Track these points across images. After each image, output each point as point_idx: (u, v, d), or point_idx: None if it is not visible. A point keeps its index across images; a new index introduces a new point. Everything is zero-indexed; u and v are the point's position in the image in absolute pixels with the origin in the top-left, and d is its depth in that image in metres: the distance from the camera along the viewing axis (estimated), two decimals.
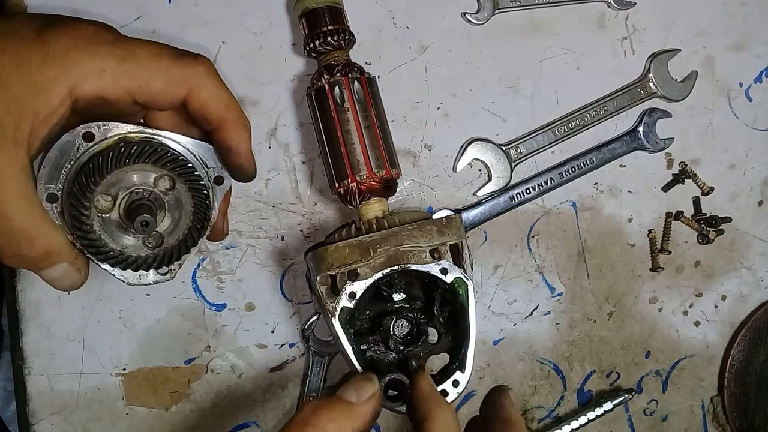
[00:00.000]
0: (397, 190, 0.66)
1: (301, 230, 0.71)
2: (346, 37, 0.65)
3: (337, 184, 0.63)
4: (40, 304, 0.68)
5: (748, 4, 0.80)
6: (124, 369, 0.69)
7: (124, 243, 0.52)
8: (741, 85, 0.80)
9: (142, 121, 0.55)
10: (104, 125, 0.51)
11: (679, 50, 0.78)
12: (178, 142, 0.53)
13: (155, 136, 0.52)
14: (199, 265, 0.70)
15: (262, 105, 0.70)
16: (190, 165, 0.53)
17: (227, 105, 0.53)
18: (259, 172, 0.70)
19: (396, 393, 0.56)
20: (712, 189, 0.80)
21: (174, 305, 0.70)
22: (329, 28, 0.64)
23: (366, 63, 0.71)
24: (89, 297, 0.68)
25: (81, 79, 0.47)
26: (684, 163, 0.79)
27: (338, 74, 0.63)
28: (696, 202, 0.80)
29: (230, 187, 0.57)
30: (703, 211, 0.80)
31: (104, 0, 0.66)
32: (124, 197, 0.52)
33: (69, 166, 0.50)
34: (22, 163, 0.47)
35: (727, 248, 0.81)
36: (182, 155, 0.53)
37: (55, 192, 0.50)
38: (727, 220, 0.80)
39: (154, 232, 0.53)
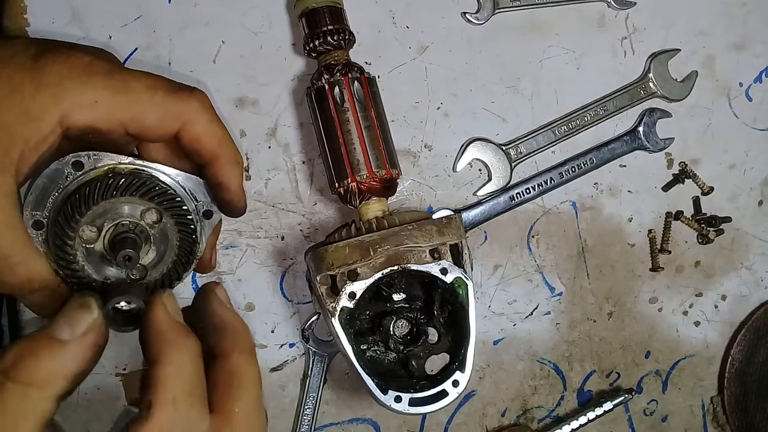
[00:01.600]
0: (397, 190, 0.66)
1: (301, 230, 0.71)
2: (346, 37, 0.65)
3: (337, 184, 0.63)
4: None
5: (748, 4, 0.80)
6: (125, 369, 0.69)
7: (107, 274, 0.52)
8: (741, 84, 0.80)
9: (135, 150, 0.55)
10: (95, 155, 0.50)
11: (679, 50, 0.78)
12: (168, 174, 0.53)
13: (145, 168, 0.52)
14: None
15: (262, 105, 0.70)
16: (179, 199, 0.53)
17: (220, 140, 0.52)
18: (259, 172, 0.70)
19: (129, 312, 0.46)
20: (712, 189, 0.80)
21: None
22: (329, 27, 0.64)
23: (366, 63, 0.71)
24: None
25: (73, 109, 0.47)
26: (684, 162, 0.79)
27: (338, 74, 0.63)
28: (696, 202, 0.80)
29: (220, 221, 0.56)
30: (703, 211, 0.80)
31: (104, 0, 0.66)
32: (109, 229, 0.51)
33: (57, 194, 0.50)
34: (9, 189, 0.46)
35: (727, 248, 0.81)
36: (171, 189, 0.52)
37: (41, 219, 0.50)
38: (727, 220, 0.80)
39: (138, 265, 0.52)
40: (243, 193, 0.55)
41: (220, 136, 0.52)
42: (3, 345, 1.15)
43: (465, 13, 0.74)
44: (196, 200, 0.54)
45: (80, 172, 0.50)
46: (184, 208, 0.53)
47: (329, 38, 0.64)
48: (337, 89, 0.63)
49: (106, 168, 0.51)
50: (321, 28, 0.64)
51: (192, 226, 0.53)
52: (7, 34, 0.64)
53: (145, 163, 0.52)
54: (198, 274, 0.70)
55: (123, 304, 0.46)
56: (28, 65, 0.47)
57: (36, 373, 0.40)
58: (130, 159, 0.51)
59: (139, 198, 0.51)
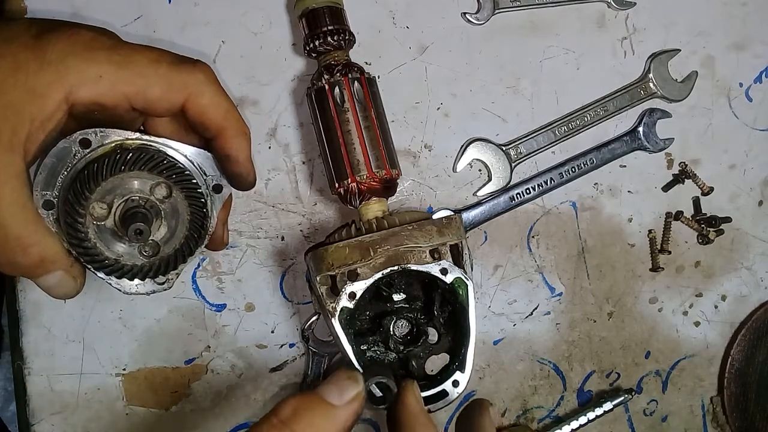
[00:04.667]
0: (397, 190, 0.66)
1: (301, 230, 0.71)
2: (346, 37, 0.65)
3: (337, 184, 0.63)
4: (41, 304, 0.68)
5: (748, 5, 0.80)
6: (124, 369, 0.69)
7: (119, 251, 0.52)
8: (741, 85, 0.80)
9: (141, 128, 0.55)
10: (101, 132, 0.50)
11: (679, 50, 0.78)
12: (176, 149, 0.53)
13: (153, 144, 0.52)
14: (199, 265, 0.70)
15: (262, 105, 0.70)
16: (187, 173, 0.52)
17: (226, 112, 0.52)
18: (259, 172, 0.70)
19: (381, 396, 0.54)
20: (712, 189, 0.80)
21: (174, 305, 0.70)
22: (329, 28, 0.64)
23: (366, 63, 0.71)
24: (89, 297, 0.68)
25: (77, 85, 0.47)
26: (684, 163, 0.79)
27: (338, 74, 0.63)
28: (696, 202, 0.80)
29: (230, 196, 0.56)
30: (703, 212, 0.80)
31: (104, 0, 0.66)
32: (119, 205, 0.51)
33: (65, 173, 0.50)
34: (18, 169, 0.47)
35: (727, 248, 0.81)
36: (179, 163, 0.52)
37: (51, 199, 0.50)
38: (727, 220, 0.80)
39: (150, 241, 0.52)
40: (252, 165, 0.55)
41: (226, 108, 0.52)
42: (3, 346, 1.15)
43: (465, 13, 0.74)
44: (206, 174, 0.54)
45: (88, 150, 0.50)
46: (194, 181, 0.53)
47: (329, 38, 0.64)
48: (337, 89, 0.63)
49: (114, 144, 0.50)
50: (321, 29, 0.64)
51: (202, 200, 0.53)
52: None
53: (153, 138, 0.52)
54: (198, 275, 0.70)
55: (381, 382, 0.53)
56: (30, 44, 0.47)
57: (309, 428, 0.46)
58: (137, 135, 0.51)
59: (147, 172, 0.51)
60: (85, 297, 0.68)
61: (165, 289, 0.54)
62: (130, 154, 0.50)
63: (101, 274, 0.51)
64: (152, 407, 0.70)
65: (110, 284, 0.52)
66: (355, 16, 0.67)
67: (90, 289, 0.68)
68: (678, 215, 0.79)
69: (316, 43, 0.64)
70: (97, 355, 0.69)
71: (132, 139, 0.51)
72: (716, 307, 0.81)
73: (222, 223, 0.57)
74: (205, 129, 0.52)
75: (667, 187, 0.79)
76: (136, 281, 0.53)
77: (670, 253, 0.79)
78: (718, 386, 0.82)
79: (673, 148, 0.79)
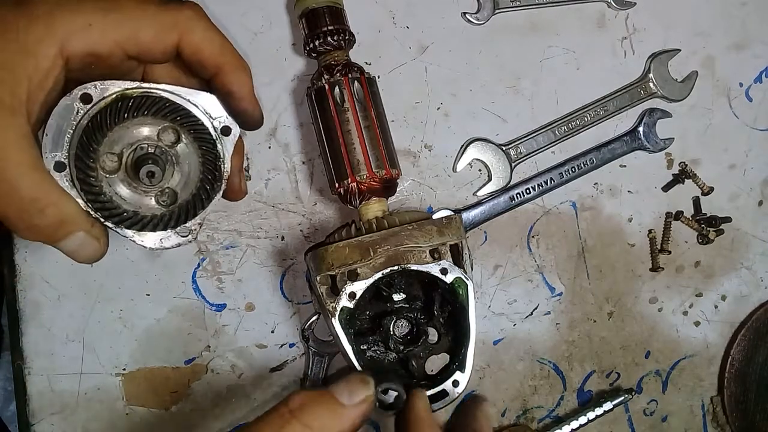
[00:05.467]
0: (397, 190, 0.66)
1: (301, 230, 0.71)
2: (346, 37, 0.65)
3: (337, 184, 0.63)
4: (40, 304, 0.68)
5: (748, 5, 0.80)
6: (124, 369, 0.69)
7: (137, 203, 0.51)
8: (741, 85, 0.80)
9: (141, 79, 0.54)
10: (101, 84, 0.50)
11: (679, 50, 0.78)
12: (178, 94, 0.52)
13: (154, 90, 0.51)
14: (199, 265, 0.70)
15: (261, 105, 0.69)
16: (193, 115, 0.52)
17: (221, 47, 0.51)
18: (259, 172, 0.70)
19: (390, 402, 0.54)
20: (712, 189, 0.80)
21: (174, 305, 0.70)
22: (329, 28, 0.64)
23: (366, 63, 0.71)
24: (89, 297, 0.68)
25: (68, 37, 0.46)
26: (684, 163, 0.79)
27: (338, 74, 0.63)
28: (696, 202, 0.80)
29: (242, 141, 0.55)
30: (703, 211, 0.80)
31: None
32: (129, 154, 0.51)
33: (71, 131, 0.49)
34: (24, 131, 0.46)
35: (727, 248, 0.81)
36: (183, 105, 0.52)
37: (62, 160, 0.49)
38: (727, 220, 0.80)
39: (167, 189, 0.52)
40: (256, 99, 0.54)
41: (221, 43, 0.51)
42: (3, 346, 1.15)
43: (465, 13, 0.74)
44: (212, 117, 0.53)
45: (90, 105, 0.49)
46: (200, 123, 0.52)
47: (329, 38, 0.64)
48: (337, 89, 0.63)
49: (115, 95, 0.50)
50: (321, 29, 0.64)
51: (212, 141, 0.52)
52: None
53: (153, 85, 0.51)
54: (198, 275, 0.70)
55: (391, 389, 0.53)
56: (16, 2, 0.46)
57: (316, 421, 0.47)
58: (137, 83, 0.51)
59: (152, 117, 0.51)
60: (85, 297, 0.68)
61: (189, 241, 0.53)
62: (132, 101, 0.50)
63: (124, 231, 0.51)
64: (152, 407, 0.70)
65: (134, 241, 0.51)
66: (355, 16, 0.67)
67: (90, 289, 0.68)
68: (678, 215, 0.79)
69: (316, 43, 0.64)
70: (97, 355, 0.69)
71: (132, 89, 0.51)
72: (716, 307, 0.81)
73: (237, 171, 0.56)
74: (203, 67, 0.52)
75: (667, 187, 0.79)
76: (159, 235, 0.52)
77: (670, 253, 0.79)
78: (718, 386, 0.82)
79: (673, 148, 0.79)
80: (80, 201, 0.49)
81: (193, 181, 0.53)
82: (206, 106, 0.53)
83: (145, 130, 0.51)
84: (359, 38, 0.66)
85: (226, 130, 0.53)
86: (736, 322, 0.82)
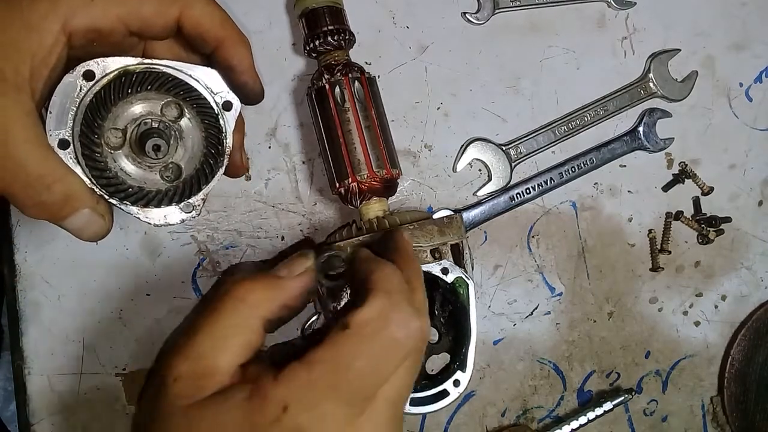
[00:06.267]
0: (398, 190, 0.66)
1: (301, 230, 0.71)
2: (346, 37, 0.65)
3: (337, 184, 0.63)
4: (41, 304, 0.68)
5: (748, 5, 0.80)
6: (124, 369, 0.69)
7: (141, 178, 0.52)
8: (741, 85, 0.80)
9: (143, 55, 0.55)
10: (103, 61, 0.50)
11: (679, 50, 0.78)
12: (180, 69, 0.52)
13: (156, 65, 0.51)
14: (199, 265, 0.70)
15: (262, 105, 0.69)
16: (195, 89, 0.52)
17: (222, 22, 0.52)
18: (259, 172, 0.70)
19: (336, 272, 0.53)
20: (712, 189, 0.80)
21: (174, 305, 0.70)
22: (329, 28, 0.64)
23: (366, 63, 0.71)
24: (89, 297, 0.68)
25: (71, 13, 0.46)
26: (684, 163, 0.79)
27: (338, 74, 0.63)
28: (696, 202, 0.80)
29: (242, 118, 0.56)
30: (703, 211, 0.80)
31: None
32: (133, 130, 0.51)
33: (75, 108, 0.49)
34: (28, 107, 0.46)
35: (727, 248, 0.81)
36: (184, 80, 0.52)
37: (66, 137, 0.49)
38: (727, 220, 0.80)
39: (171, 164, 0.52)
40: (256, 74, 0.54)
41: (221, 17, 0.52)
42: (3, 346, 1.15)
43: (465, 13, 0.74)
44: (213, 92, 0.53)
45: (93, 82, 0.50)
46: (203, 97, 0.53)
47: (329, 38, 0.64)
48: (337, 89, 0.63)
49: (117, 72, 0.50)
50: (321, 29, 0.64)
51: (214, 115, 0.53)
52: None
53: (155, 61, 0.52)
54: (198, 274, 0.70)
55: (332, 255, 0.52)
56: None
57: (250, 294, 0.46)
58: (139, 59, 0.51)
59: (155, 92, 0.51)
60: (85, 297, 0.68)
61: (193, 217, 0.53)
62: (135, 77, 0.50)
63: (127, 207, 0.51)
64: None
65: (138, 218, 0.51)
66: (356, 15, 0.67)
67: (90, 290, 0.68)
68: (678, 215, 0.79)
69: (316, 43, 0.64)
70: (97, 355, 0.69)
71: (134, 65, 0.51)
72: (716, 307, 0.81)
73: (239, 147, 0.57)
74: (204, 41, 0.52)
75: (667, 187, 0.79)
76: (164, 211, 0.52)
77: (670, 253, 0.79)
78: (718, 386, 0.82)
79: (673, 147, 0.79)
80: (85, 178, 0.49)
81: (197, 155, 0.53)
82: (207, 81, 0.53)
83: (149, 105, 0.52)
84: (359, 38, 0.66)
85: (227, 105, 0.54)
86: (736, 322, 0.82)
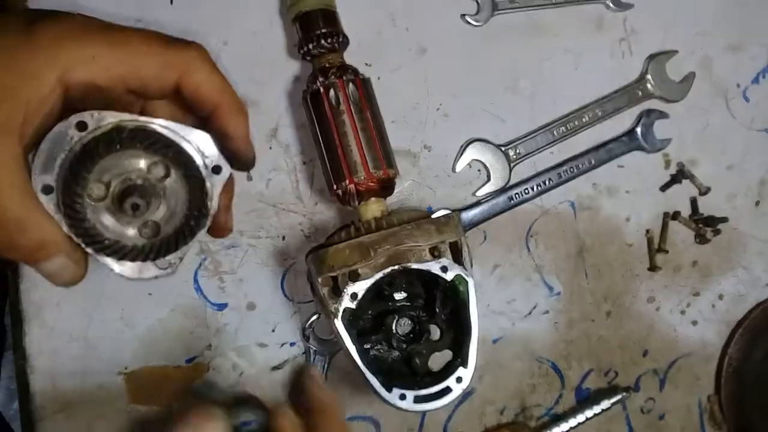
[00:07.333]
0: (397, 190, 0.66)
1: (301, 230, 0.72)
2: (340, 40, 0.65)
3: (335, 186, 0.64)
4: (43, 304, 0.68)
5: (745, 6, 0.80)
6: (126, 368, 0.70)
7: (119, 233, 0.51)
8: (738, 86, 0.81)
9: (140, 111, 0.55)
10: (98, 114, 0.50)
11: (677, 51, 0.79)
12: (174, 130, 0.52)
13: (149, 124, 0.51)
14: (200, 264, 0.70)
15: (262, 105, 0.70)
16: (185, 151, 0.52)
17: (221, 89, 0.52)
18: (260, 173, 0.71)
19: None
20: (709, 189, 0.80)
21: (176, 305, 0.70)
22: (323, 31, 0.64)
23: (366, 64, 0.71)
24: (91, 297, 0.69)
25: (71, 66, 0.47)
26: (681, 163, 0.80)
27: (333, 77, 0.63)
28: (693, 202, 0.80)
29: (232, 180, 0.56)
30: (700, 211, 0.80)
31: (105, 1, 0.67)
32: (116, 184, 0.51)
33: (63, 156, 0.49)
34: (15, 152, 0.46)
35: (724, 248, 0.81)
36: (176, 142, 0.52)
37: (50, 183, 0.49)
38: (724, 220, 0.80)
39: (150, 221, 0.52)
40: (250, 143, 0.54)
41: (221, 85, 0.52)
42: (6, 345, 1.16)
43: (464, 14, 0.74)
44: (204, 155, 0.53)
45: (85, 132, 0.49)
46: (192, 160, 0.52)
47: (323, 41, 0.64)
48: (332, 92, 0.63)
49: (111, 126, 0.50)
50: (315, 32, 0.64)
51: (201, 179, 0.53)
52: None
53: (150, 119, 0.51)
54: (200, 274, 0.70)
55: (246, 420, 0.47)
56: (24, 29, 0.47)
57: None
58: (134, 116, 0.51)
59: (144, 151, 0.51)
60: (87, 297, 0.68)
61: (168, 274, 0.53)
62: (126, 133, 0.50)
63: (104, 258, 0.51)
64: (155, 406, 0.70)
65: (113, 270, 0.51)
66: (355, 17, 0.67)
67: (93, 289, 0.69)
68: (675, 215, 0.80)
69: (310, 46, 0.64)
70: (100, 354, 0.69)
71: (128, 121, 0.51)
72: (713, 306, 0.82)
73: (225, 209, 0.57)
74: (201, 107, 0.52)
75: (664, 187, 0.80)
76: (139, 265, 0.52)
77: (667, 252, 0.79)
78: (715, 385, 0.82)
79: (671, 148, 0.79)
80: (63, 225, 0.50)
81: (179, 215, 0.53)
82: (200, 144, 0.53)
83: (136, 163, 0.51)
84: (359, 39, 0.67)
85: (217, 169, 0.54)
86: (733, 322, 0.82)
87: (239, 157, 0.54)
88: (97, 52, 0.47)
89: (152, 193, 0.51)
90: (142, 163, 0.51)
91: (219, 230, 0.57)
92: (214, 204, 0.54)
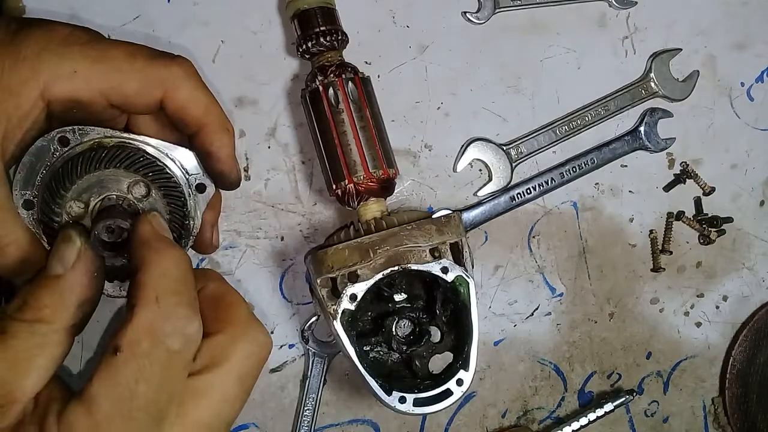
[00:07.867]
0: (397, 190, 0.66)
1: (300, 230, 0.71)
2: (339, 38, 0.64)
3: (334, 186, 0.63)
4: None
5: (749, 4, 0.80)
6: None
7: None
8: (742, 84, 0.80)
9: (125, 126, 0.54)
10: (80, 129, 0.49)
11: (681, 50, 0.78)
12: (156, 147, 0.51)
13: (132, 141, 0.51)
14: (198, 265, 0.69)
15: (261, 105, 0.70)
16: (166, 171, 0.51)
17: (206, 107, 0.51)
18: (258, 172, 0.70)
19: (117, 237, 0.48)
20: (713, 189, 0.79)
21: None
22: (321, 29, 0.64)
23: (366, 63, 0.70)
24: None
25: (52, 81, 0.46)
26: (685, 163, 0.79)
27: (332, 75, 0.63)
28: (697, 202, 0.80)
29: (219, 197, 0.55)
30: (704, 212, 0.80)
31: (102, 0, 0.66)
32: (96, 203, 0.50)
33: (44, 171, 0.49)
34: None
35: (728, 248, 0.81)
36: (158, 161, 0.51)
37: (31, 198, 0.49)
38: (729, 220, 0.80)
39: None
40: (235, 162, 0.53)
41: (206, 103, 0.51)
42: None
43: (465, 12, 0.74)
44: (188, 174, 0.52)
45: (66, 148, 0.49)
46: (173, 180, 0.52)
47: (322, 39, 0.63)
48: (331, 90, 0.62)
49: (92, 142, 0.50)
50: (313, 30, 0.64)
51: (182, 200, 0.52)
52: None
53: (132, 135, 0.51)
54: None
55: (109, 223, 0.47)
56: (6, 41, 0.46)
57: (40, 310, 0.42)
58: (117, 132, 0.51)
59: (124, 170, 0.50)
60: None
61: None
62: (106, 152, 0.49)
63: None
64: None
65: None
66: (355, 15, 0.67)
67: None
68: (679, 215, 0.79)
69: (309, 44, 0.64)
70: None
71: (110, 137, 0.50)
72: (717, 307, 0.81)
73: (210, 225, 0.56)
74: (185, 125, 0.51)
75: (668, 187, 0.79)
76: (118, 283, 0.52)
77: (671, 253, 0.79)
78: (719, 387, 0.82)
79: (675, 147, 0.78)
80: (44, 242, 0.49)
81: None
82: (183, 162, 0.52)
83: (116, 182, 0.50)
84: (359, 38, 0.66)
85: (201, 187, 0.53)
86: (737, 323, 0.82)
87: (223, 178, 0.53)
88: (78, 66, 0.47)
89: (132, 212, 0.50)
90: (123, 183, 0.51)
91: (204, 247, 0.56)
92: (196, 223, 0.53)
